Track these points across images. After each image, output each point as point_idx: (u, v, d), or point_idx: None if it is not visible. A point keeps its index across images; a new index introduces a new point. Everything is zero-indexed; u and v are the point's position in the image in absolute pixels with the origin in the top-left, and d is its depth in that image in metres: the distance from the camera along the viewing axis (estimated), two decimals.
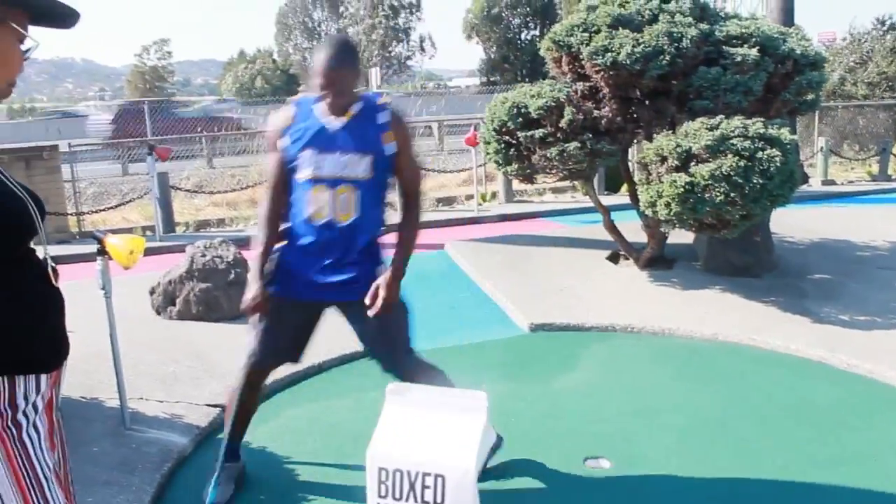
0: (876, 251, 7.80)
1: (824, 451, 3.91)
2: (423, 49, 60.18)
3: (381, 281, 3.19)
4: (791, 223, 8.90)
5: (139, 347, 5.43)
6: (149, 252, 7.91)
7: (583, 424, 4.28)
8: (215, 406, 4.58)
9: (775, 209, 5.93)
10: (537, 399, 4.65)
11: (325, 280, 3.27)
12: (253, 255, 3.29)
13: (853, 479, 3.62)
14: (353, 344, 5.51)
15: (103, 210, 11.38)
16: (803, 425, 4.20)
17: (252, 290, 3.22)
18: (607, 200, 9.20)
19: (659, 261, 6.99)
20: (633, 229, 7.13)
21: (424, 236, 8.60)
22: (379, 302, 3.16)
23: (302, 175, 3.14)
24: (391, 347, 3.47)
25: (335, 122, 3.13)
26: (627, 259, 7.11)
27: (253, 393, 3.56)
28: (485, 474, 3.73)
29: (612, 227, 7.04)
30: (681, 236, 6.89)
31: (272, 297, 3.26)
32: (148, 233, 9.20)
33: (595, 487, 3.63)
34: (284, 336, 3.43)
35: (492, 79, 46.02)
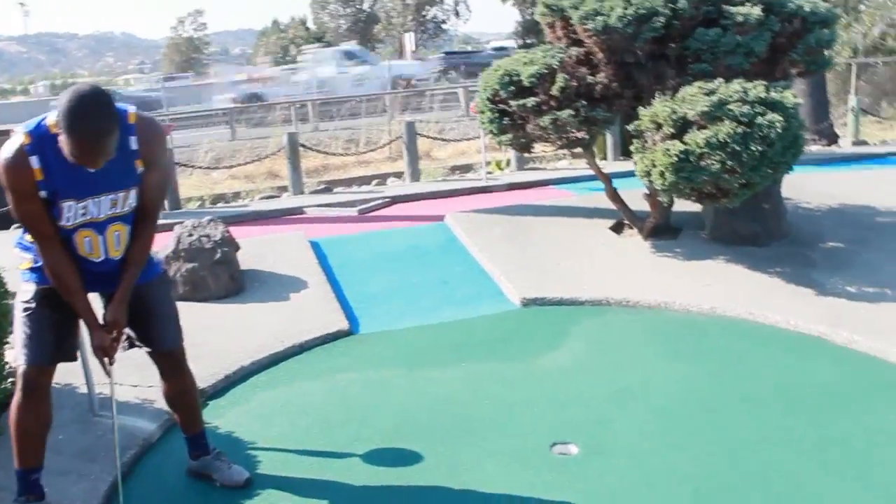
0: None
1: (810, 436, 3.72)
2: (457, 13, 59.57)
3: (110, 309, 3.12)
4: (810, 188, 8.56)
5: None
6: None
7: (558, 408, 4.13)
8: None
9: (778, 177, 5.65)
10: (517, 380, 4.50)
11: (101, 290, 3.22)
12: (80, 307, 3.06)
13: (835, 468, 3.44)
14: (337, 322, 5.50)
15: None
16: (793, 408, 4.00)
17: (99, 334, 3.08)
18: (622, 166, 8.97)
19: (663, 230, 6.75)
20: (639, 198, 6.88)
21: (426, 207, 8.53)
22: (113, 328, 3.11)
23: (68, 225, 2.94)
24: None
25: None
26: (632, 229, 6.88)
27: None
28: (444, 460, 3.63)
29: (614, 196, 6.80)
30: (688, 204, 6.63)
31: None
32: None
33: (557, 474, 3.48)
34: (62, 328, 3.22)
35: (528, 41, 45.31)
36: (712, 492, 3.29)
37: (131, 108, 3.01)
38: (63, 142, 2.72)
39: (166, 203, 8.98)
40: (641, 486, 3.36)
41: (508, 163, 11.17)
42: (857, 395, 4.14)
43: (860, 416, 3.90)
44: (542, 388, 4.38)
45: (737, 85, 5.37)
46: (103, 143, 2.71)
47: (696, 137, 5.22)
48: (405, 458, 3.72)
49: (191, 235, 6.00)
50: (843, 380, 4.32)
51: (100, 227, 3.00)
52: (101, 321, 3.12)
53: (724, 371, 4.49)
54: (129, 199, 3.01)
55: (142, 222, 3.12)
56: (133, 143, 2.94)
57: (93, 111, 2.68)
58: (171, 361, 3.48)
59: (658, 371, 4.53)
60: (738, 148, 5.16)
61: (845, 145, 12.71)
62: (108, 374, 3.23)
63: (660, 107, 5.48)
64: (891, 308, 5.18)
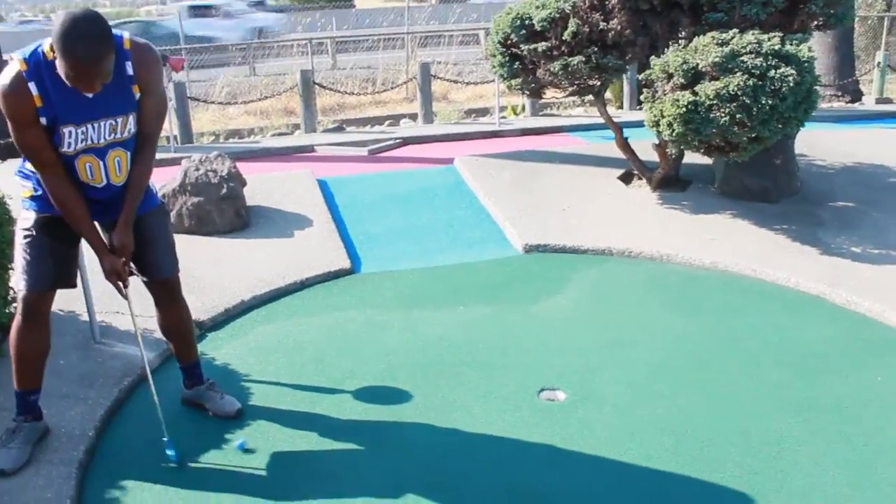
0: None
1: (797, 396, 3.73)
2: None
3: (116, 233, 3.16)
4: (825, 145, 8.45)
5: None
6: (163, 163, 7.95)
7: (550, 354, 4.17)
8: None
9: (789, 132, 5.58)
10: (512, 325, 4.54)
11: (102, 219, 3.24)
12: (86, 233, 3.11)
13: (818, 426, 3.46)
14: (339, 261, 5.53)
15: None
16: (783, 366, 4.02)
17: (109, 259, 3.13)
18: (637, 116, 8.86)
19: (672, 182, 6.71)
20: (650, 148, 6.82)
21: (437, 150, 8.50)
22: (122, 252, 3.17)
23: (69, 151, 2.96)
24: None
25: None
26: (641, 179, 6.83)
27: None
28: (433, 400, 3.69)
29: (624, 146, 6.75)
30: (699, 157, 6.57)
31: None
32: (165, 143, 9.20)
33: (542, 418, 3.54)
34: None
35: None
36: (693, 443, 3.34)
37: (126, 34, 3.01)
38: (60, 66, 2.74)
39: (178, 137, 9.00)
40: (623, 434, 3.41)
41: (524, 108, 11.07)
42: (850, 354, 4.14)
43: (849, 375, 3.91)
44: (536, 334, 4.42)
45: (751, 36, 5.27)
46: (100, 65, 2.73)
47: (707, 89, 5.15)
48: (395, 395, 3.78)
49: (197, 170, 6.02)
50: (837, 339, 4.32)
51: (100, 152, 3.03)
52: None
53: (720, 326, 4.50)
54: (128, 125, 3.04)
55: (140, 148, 3.15)
56: (129, 68, 2.95)
57: (87, 33, 2.69)
58: (166, 290, 3.54)
59: (653, 323, 4.55)
60: (748, 101, 5.09)
61: (869, 102, 12.48)
62: (125, 296, 3.30)
63: (671, 56, 5.40)
64: (893, 270, 5.15)
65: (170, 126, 8.67)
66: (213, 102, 12.60)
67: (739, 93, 5.09)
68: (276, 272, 5.28)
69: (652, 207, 6.40)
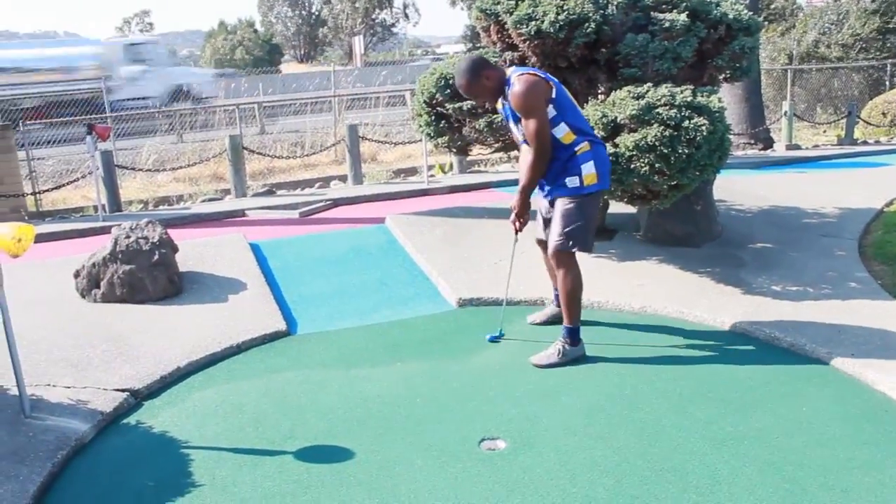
0: (823, 218, 7.73)
1: (728, 429, 3.86)
2: (406, 16, 59.65)
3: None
4: (742, 190, 8.83)
5: (57, 332, 5.36)
6: (91, 233, 7.86)
7: (488, 404, 4.22)
8: (124, 391, 4.53)
9: (706, 179, 5.83)
10: (449, 378, 4.59)
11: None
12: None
13: (750, 458, 3.58)
14: (275, 323, 5.53)
15: (57, 188, 11.25)
16: (713, 402, 4.15)
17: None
18: None
19: (599, 231, 6.87)
20: None
21: (368, 210, 8.58)
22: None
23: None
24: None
25: None
26: None
27: None
28: (375, 456, 3.70)
29: None
30: (624, 206, 6.79)
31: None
32: (93, 213, 9.08)
33: (484, 468, 3.58)
34: None
35: (478, 45, 45.51)
36: (632, 483, 3.42)
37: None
38: None
39: (106, 206, 8.90)
40: (564, 478, 3.47)
41: (451, 166, 11.28)
42: (776, 387, 4.30)
43: (776, 407, 4.06)
44: (474, 385, 4.48)
45: (664, 89, 5.53)
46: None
47: (626, 140, 5.37)
48: (337, 454, 3.78)
49: (128, 237, 5.98)
50: (763, 374, 4.48)
51: None
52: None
53: (651, 367, 4.63)
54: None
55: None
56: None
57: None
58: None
59: (587, 368, 4.66)
60: (665, 151, 5.32)
61: (780, 149, 13.08)
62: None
63: (591, 110, 5.62)
64: (811, 306, 5.39)
65: (97, 195, 8.59)
66: (140, 170, 12.53)
67: (657, 143, 5.31)
68: (212, 337, 5.25)
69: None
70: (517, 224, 4.83)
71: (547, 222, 4.90)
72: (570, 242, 4.63)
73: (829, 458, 3.55)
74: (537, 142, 4.45)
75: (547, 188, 4.76)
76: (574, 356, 4.73)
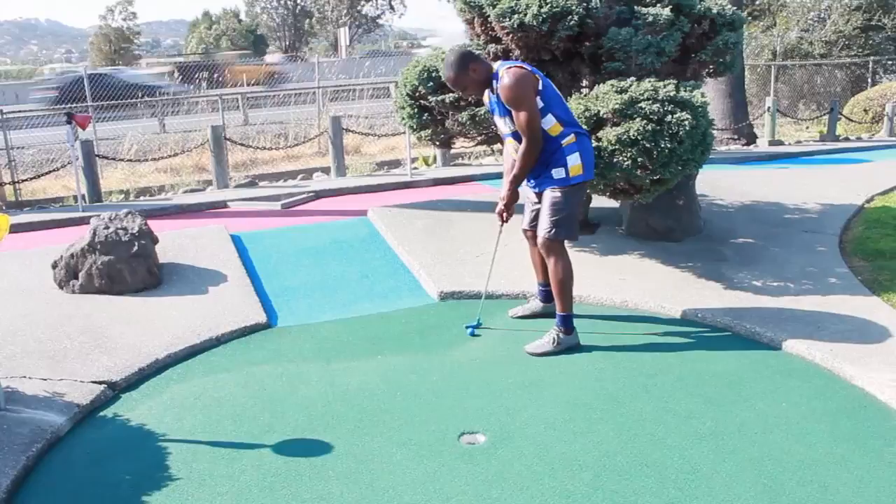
0: (804, 213, 7.77)
1: (707, 423, 3.87)
2: (392, 7, 59.45)
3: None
4: (725, 185, 8.85)
5: (33, 323, 5.30)
6: (70, 223, 7.78)
7: (469, 398, 4.21)
8: (101, 383, 4.48)
9: (688, 173, 5.84)
10: (430, 372, 4.57)
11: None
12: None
13: (729, 453, 3.58)
14: (255, 315, 5.49)
15: (38, 177, 11.14)
16: (693, 397, 4.16)
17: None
18: None
19: (581, 225, 6.88)
20: None
21: (351, 202, 8.54)
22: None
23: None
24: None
25: None
26: None
27: None
28: (354, 449, 3.68)
29: None
30: (606, 200, 6.79)
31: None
32: (72, 203, 8.98)
33: (463, 462, 3.56)
34: None
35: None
36: (611, 477, 3.41)
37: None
38: None
39: (86, 196, 8.82)
40: (544, 472, 3.46)
41: (435, 159, 11.25)
42: (755, 383, 4.31)
43: (756, 403, 4.07)
44: (454, 379, 4.46)
45: (648, 84, 5.52)
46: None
47: (609, 134, 5.37)
48: (316, 448, 3.76)
49: (107, 228, 5.92)
50: (743, 369, 4.49)
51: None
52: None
53: (631, 361, 4.63)
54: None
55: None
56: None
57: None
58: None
59: (567, 362, 4.65)
60: (648, 145, 5.32)
61: (762, 145, 13.13)
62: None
63: (574, 104, 5.60)
64: (792, 301, 5.41)
65: (77, 185, 8.50)
66: (122, 160, 12.42)
67: (640, 137, 5.31)
68: (191, 329, 5.21)
69: None
70: (504, 216, 4.88)
71: (534, 213, 4.91)
72: (559, 231, 4.69)
73: (807, 454, 3.57)
74: (529, 132, 4.51)
75: (534, 180, 4.80)
76: (568, 345, 4.76)
